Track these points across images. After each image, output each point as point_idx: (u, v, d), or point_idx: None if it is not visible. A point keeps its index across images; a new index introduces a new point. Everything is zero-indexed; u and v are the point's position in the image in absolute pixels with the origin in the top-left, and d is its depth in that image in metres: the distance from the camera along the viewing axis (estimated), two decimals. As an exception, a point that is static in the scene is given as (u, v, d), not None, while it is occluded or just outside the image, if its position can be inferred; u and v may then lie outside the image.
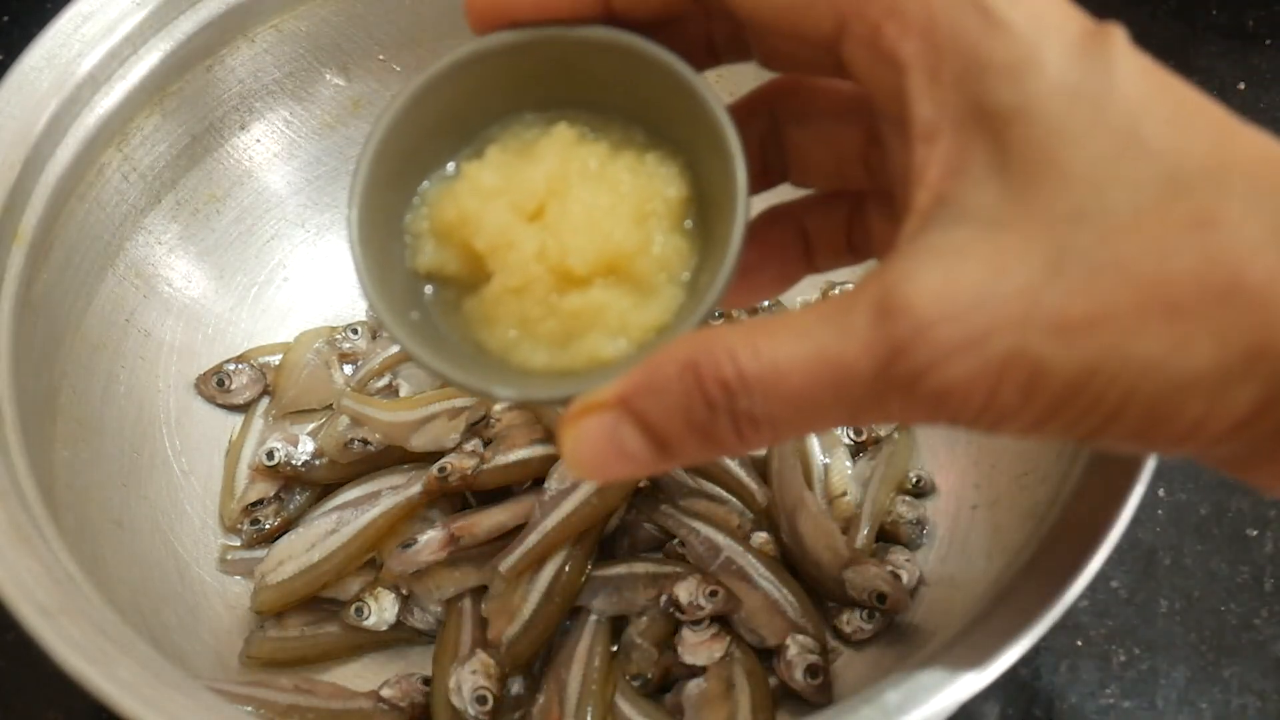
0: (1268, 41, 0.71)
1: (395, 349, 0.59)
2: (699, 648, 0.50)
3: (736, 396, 0.26)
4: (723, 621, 0.51)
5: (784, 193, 0.36)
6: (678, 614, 0.50)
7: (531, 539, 0.50)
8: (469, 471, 0.52)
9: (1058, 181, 0.25)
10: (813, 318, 0.26)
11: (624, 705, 0.49)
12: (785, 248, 0.35)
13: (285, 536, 0.54)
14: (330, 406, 0.58)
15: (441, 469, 0.52)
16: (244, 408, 0.59)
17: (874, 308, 0.25)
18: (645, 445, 0.27)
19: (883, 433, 0.57)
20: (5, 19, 0.76)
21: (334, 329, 0.61)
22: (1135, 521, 0.38)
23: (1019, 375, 0.24)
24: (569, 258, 0.31)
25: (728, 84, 0.36)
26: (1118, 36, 0.26)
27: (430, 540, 0.51)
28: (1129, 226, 0.24)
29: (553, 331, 0.32)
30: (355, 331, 0.60)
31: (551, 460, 0.52)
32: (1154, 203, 0.24)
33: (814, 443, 0.56)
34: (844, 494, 0.55)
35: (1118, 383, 0.24)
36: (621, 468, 0.28)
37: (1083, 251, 0.24)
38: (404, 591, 0.52)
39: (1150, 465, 0.39)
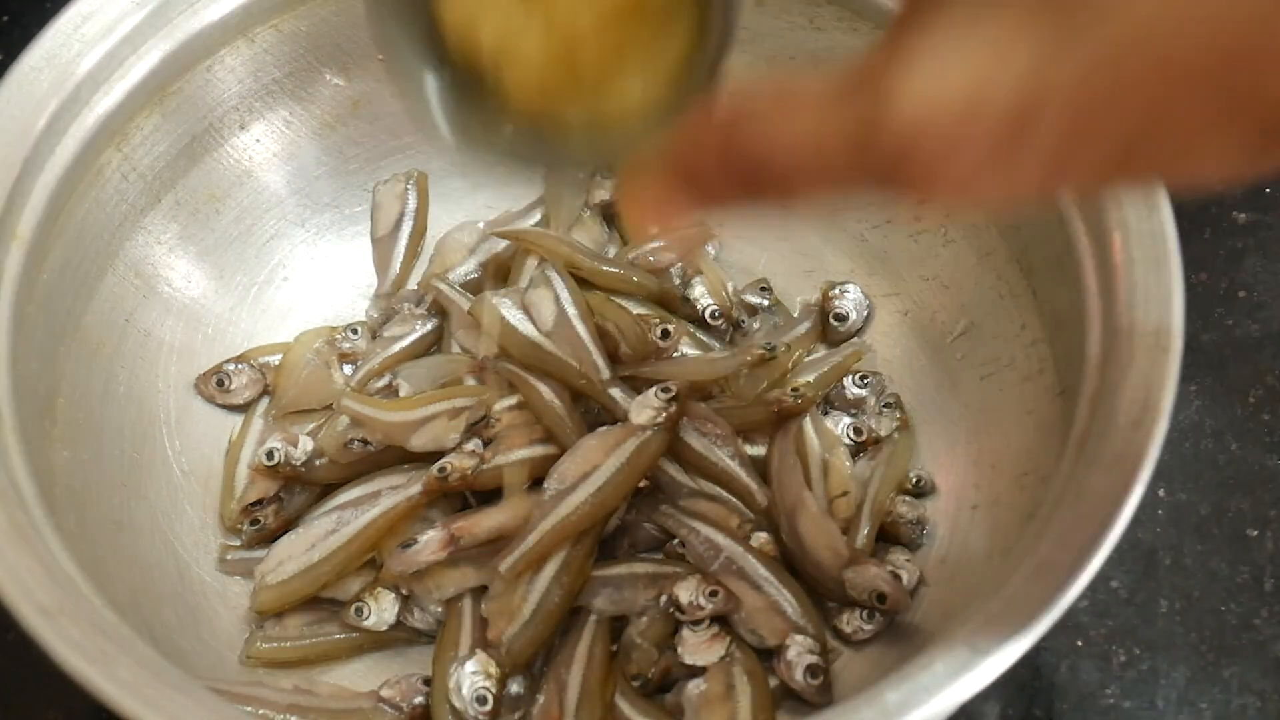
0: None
1: (395, 349, 0.59)
2: (699, 648, 0.50)
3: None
4: (723, 622, 0.51)
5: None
6: (678, 614, 0.50)
7: (531, 539, 0.50)
8: (469, 471, 0.52)
9: None
10: (818, 104, 0.26)
11: (624, 705, 0.49)
12: None
13: (285, 537, 0.54)
14: (330, 406, 0.58)
15: (441, 469, 0.52)
16: (244, 408, 0.59)
17: (870, 107, 0.24)
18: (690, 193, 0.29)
19: (883, 433, 0.57)
20: (5, 19, 0.76)
21: (334, 329, 0.61)
22: (1135, 521, 0.38)
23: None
24: (578, 50, 0.31)
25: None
26: None
27: (430, 540, 0.51)
28: None
29: (584, 113, 0.32)
30: (355, 331, 0.60)
31: (551, 460, 0.52)
32: None
33: (814, 442, 0.56)
34: (844, 494, 0.55)
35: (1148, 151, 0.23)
36: (673, 213, 0.30)
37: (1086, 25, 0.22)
38: (404, 591, 0.52)
39: (1150, 465, 0.39)
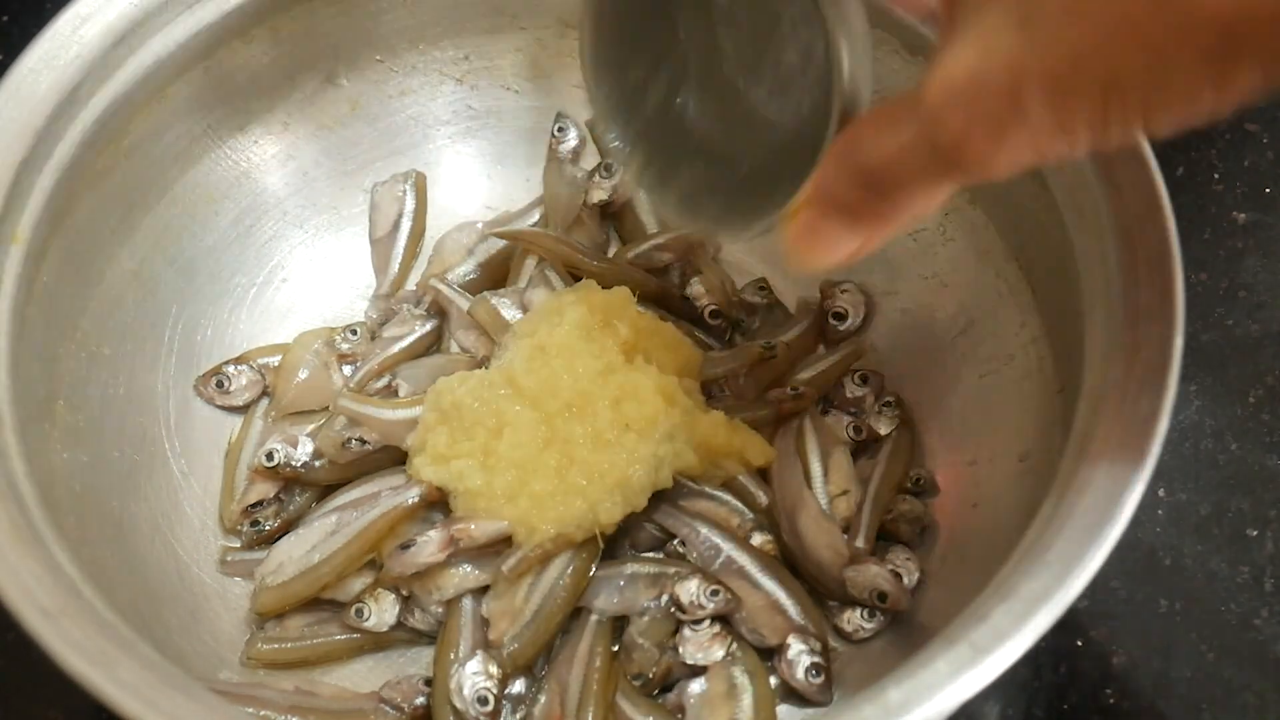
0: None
1: (394, 350, 0.59)
2: (700, 648, 0.50)
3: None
4: (724, 621, 0.51)
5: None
6: (679, 614, 0.50)
7: (535, 539, 0.50)
8: (469, 472, 0.52)
9: None
10: (895, 114, 0.33)
11: (625, 705, 0.49)
12: None
13: (285, 538, 0.54)
14: (329, 407, 0.58)
15: (441, 470, 0.52)
16: (243, 409, 0.59)
17: (918, 103, 0.31)
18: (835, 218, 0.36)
19: (883, 431, 0.57)
20: (5, 19, 0.76)
21: (333, 330, 0.61)
22: (1135, 521, 0.38)
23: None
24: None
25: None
26: None
27: (429, 541, 0.51)
28: None
29: None
30: (354, 332, 0.60)
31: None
32: None
33: (814, 441, 0.56)
34: (844, 493, 0.55)
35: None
36: (830, 242, 0.36)
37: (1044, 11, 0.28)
38: (404, 592, 0.52)
39: (1150, 465, 0.39)
